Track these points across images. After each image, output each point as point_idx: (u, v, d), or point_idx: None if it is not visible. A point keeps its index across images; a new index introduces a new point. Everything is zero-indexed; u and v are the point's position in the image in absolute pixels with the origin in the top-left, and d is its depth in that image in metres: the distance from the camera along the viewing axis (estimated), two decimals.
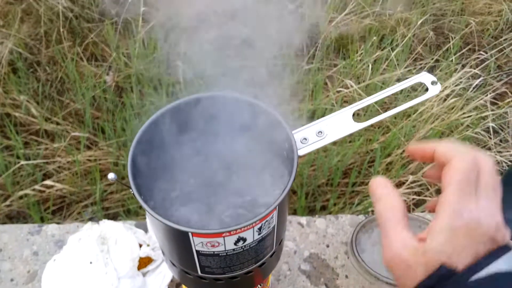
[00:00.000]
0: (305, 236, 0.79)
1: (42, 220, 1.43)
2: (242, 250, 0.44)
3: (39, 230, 0.80)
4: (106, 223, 0.72)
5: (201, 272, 0.47)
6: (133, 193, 0.42)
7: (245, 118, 0.51)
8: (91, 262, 0.66)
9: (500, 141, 1.72)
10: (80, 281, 0.66)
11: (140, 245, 0.71)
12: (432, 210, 0.40)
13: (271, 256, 0.50)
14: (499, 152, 1.67)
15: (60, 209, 1.50)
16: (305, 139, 0.47)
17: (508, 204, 0.61)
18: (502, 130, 1.75)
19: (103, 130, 1.64)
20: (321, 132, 0.46)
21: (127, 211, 1.49)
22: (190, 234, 0.40)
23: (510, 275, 0.33)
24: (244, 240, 0.42)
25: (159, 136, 0.49)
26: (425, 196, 1.54)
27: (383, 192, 0.40)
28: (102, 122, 1.66)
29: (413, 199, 1.52)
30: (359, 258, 0.73)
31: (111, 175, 0.44)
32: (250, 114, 0.50)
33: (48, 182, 1.46)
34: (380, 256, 0.74)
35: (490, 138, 1.67)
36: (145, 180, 0.49)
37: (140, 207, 1.49)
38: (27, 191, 1.44)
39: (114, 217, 1.49)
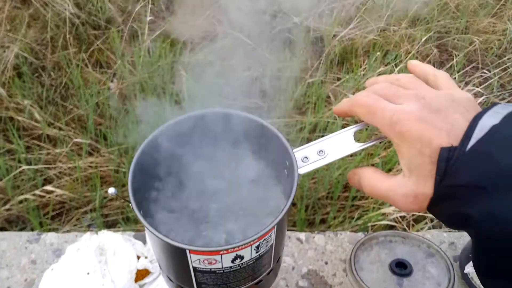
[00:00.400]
0: (304, 252, 0.79)
1: (41, 225, 1.43)
2: (239, 267, 0.44)
3: (37, 239, 0.80)
4: (105, 234, 0.72)
5: None
6: (132, 208, 0.43)
7: (247, 135, 0.51)
8: (88, 273, 0.66)
9: None
10: None
11: (138, 257, 0.71)
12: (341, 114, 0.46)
13: (268, 273, 0.50)
14: None
15: (59, 215, 1.50)
16: (306, 157, 0.46)
17: None
18: None
19: (105, 136, 1.64)
20: (322, 152, 0.46)
21: (126, 219, 1.49)
22: (187, 251, 0.40)
23: (505, 122, 0.34)
24: (242, 258, 0.42)
25: (160, 151, 0.50)
26: (426, 212, 1.53)
27: (359, 178, 0.44)
28: (104, 128, 1.67)
29: (413, 214, 1.52)
30: (357, 276, 0.73)
31: (111, 190, 0.44)
32: (251, 131, 0.51)
33: (48, 187, 1.46)
34: (378, 274, 0.74)
35: None
36: (144, 194, 0.49)
37: None
38: (27, 195, 1.44)
39: (113, 224, 1.49)
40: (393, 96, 0.41)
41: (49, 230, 0.81)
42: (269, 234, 0.42)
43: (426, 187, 0.37)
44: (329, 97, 1.86)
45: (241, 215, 0.51)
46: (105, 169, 1.56)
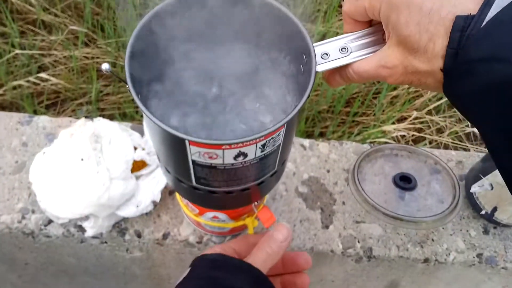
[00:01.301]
0: (307, 158, 0.76)
1: (36, 113, 1.39)
2: (241, 166, 0.40)
3: (29, 121, 0.76)
4: (100, 121, 0.69)
5: (195, 183, 0.44)
6: (129, 90, 0.38)
7: (260, 22, 0.45)
8: (82, 159, 0.63)
9: None
10: (70, 177, 0.63)
11: (135, 148, 0.68)
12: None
13: (271, 175, 0.47)
14: None
15: (54, 104, 1.46)
16: (326, 54, 0.41)
17: None
18: None
19: (102, 28, 1.56)
20: (345, 49, 0.41)
21: (123, 115, 1.45)
22: (187, 142, 0.37)
23: None
24: (245, 155, 0.39)
25: (161, 34, 0.44)
26: (425, 133, 1.52)
27: (342, 71, 0.42)
28: (102, 19, 1.58)
29: (413, 135, 1.50)
30: (359, 186, 0.71)
31: (105, 66, 0.39)
32: (266, 18, 0.45)
33: (43, 75, 1.41)
34: (380, 186, 0.72)
35: None
36: (143, 80, 0.44)
37: (137, 111, 1.46)
38: (21, 82, 1.39)
39: (109, 118, 1.45)
40: None
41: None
42: (278, 133, 0.38)
43: (415, 61, 0.35)
44: (340, 6, 1.76)
45: (249, 111, 0.47)
46: (102, 61, 1.50)
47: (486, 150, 1.44)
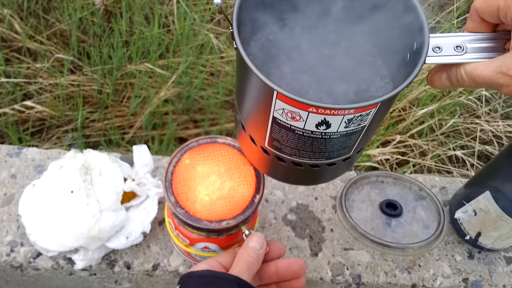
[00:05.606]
0: (295, 187, 0.77)
1: (20, 141, 1.38)
2: (320, 137, 0.39)
3: (18, 153, 0.76)
4: (90, 153, 0.69)
5: (267, 144, 0.43)
6: (231, 30, 0.38)
7: None
8: (72, 192, 0.63)
9: (490, 110, 1.71)
10: (60, 209, 0.63)
11: (125, 179, 0.68)
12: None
13: (344, 160, 0.45)
14: (487, 121, 1.66)
15: (39, 132, 1.45)
16: (439, 48, 0.39)
17: (509, 178, 0.59)
18: (492, 100, 1.74)
19: (88, 55, 1.57)
20: (461, 48, 0.39)
21: (108, 141, 1.45)
22: (274, 94, 0.36)
23: None
24: (328, 126, 0.38)
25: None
26: (409, 157, 1.54)
27: (455, 70, 0.40)
28: (88, 46, 1.59)
29: (397, 158, 1.52)
30: (346, 213, 0.72)
31: (216, 0, 0.39)
32: None
33: (28, 102, 1.41)
34: (367, 213, 0.73)
35: (481, 107, 1.66)
36: (247, 24, 0.42)
37: (123, 137, 1.46)
38: (6, 109, 1.39)
39: (94, 145, 1.46)
40: None
41: (29, 146, 0.77)
42: (368, 112, 0.37)
43: None
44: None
45: (343, 84, 0.44)
46: (88, 88, 1.50)
47: (468, 174, 1.47)
